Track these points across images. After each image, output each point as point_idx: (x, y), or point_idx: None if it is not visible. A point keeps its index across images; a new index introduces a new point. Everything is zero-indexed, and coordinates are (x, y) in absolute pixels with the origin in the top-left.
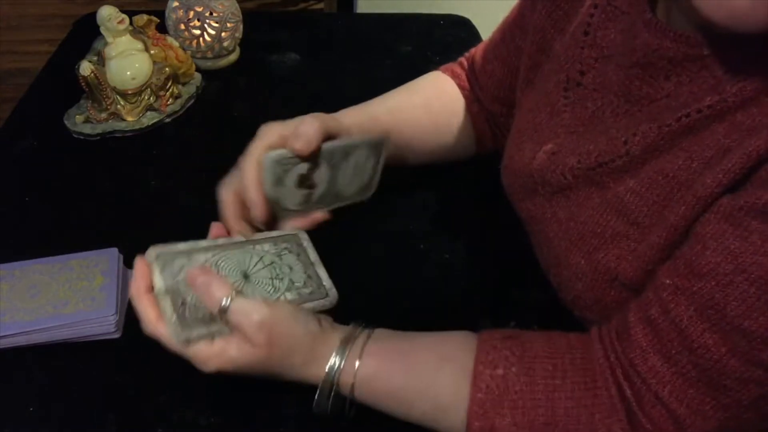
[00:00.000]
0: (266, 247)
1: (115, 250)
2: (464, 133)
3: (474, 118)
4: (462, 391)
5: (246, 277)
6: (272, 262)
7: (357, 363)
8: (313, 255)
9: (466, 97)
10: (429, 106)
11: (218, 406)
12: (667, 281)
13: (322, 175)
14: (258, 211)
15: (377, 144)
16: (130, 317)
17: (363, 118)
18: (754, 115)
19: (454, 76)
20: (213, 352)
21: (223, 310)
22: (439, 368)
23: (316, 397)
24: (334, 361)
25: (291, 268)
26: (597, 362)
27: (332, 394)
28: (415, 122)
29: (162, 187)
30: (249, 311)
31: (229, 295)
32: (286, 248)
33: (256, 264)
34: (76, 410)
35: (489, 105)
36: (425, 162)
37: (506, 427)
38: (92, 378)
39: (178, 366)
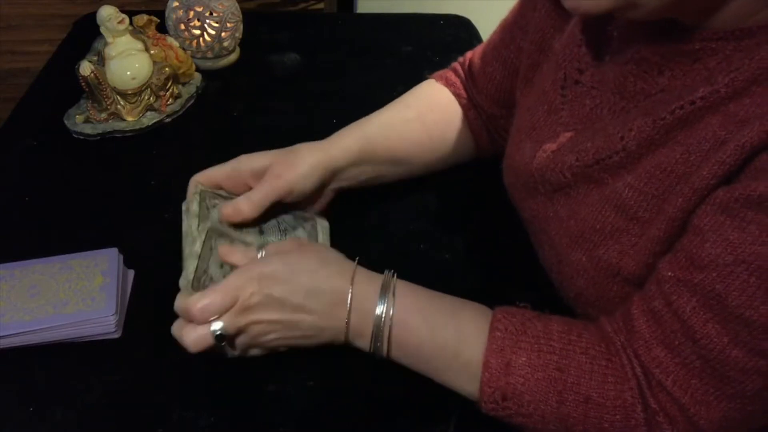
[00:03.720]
0: (286, 218)
1: (115, 250)
2: (461, 142)
3: (471, 125)
4: (482, 327)
5: (261, 232)
6: (285, 230)
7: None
8: (321, 238)
9: (462, 104)
10: (423, 119)
11: (218, 406)
12: (669, 274)
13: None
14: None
15: (318, 228)
16: (130, 317)
17: (355, 140)
18: (746, 105)
19: (449, 84)
20: (245, 268)
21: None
22: (461, 306)
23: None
24: (381, 309)
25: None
26: (609, 336)
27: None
28: (409, 137)
29: (162, 187)
30: (278, 245)
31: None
32: (302, 225)
33: (272, 226)
34: (75, 410)
35: (488, 108)
36: (423, 173)
37: (521, 366)
38: (92, 378)
39: (178, 366)
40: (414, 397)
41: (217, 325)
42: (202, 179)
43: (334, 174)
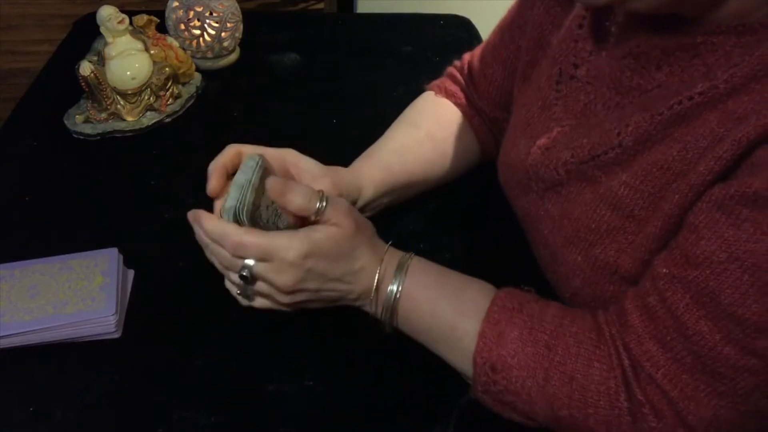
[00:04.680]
0: None
1: (115, 250)
2: (469, 153)
3: (477, 132)
4: (482, 305)
5: None
6: None
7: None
8: None
9: (465, 113)
10: (433, 137)
11: (218, 406)
12: (664, 270)
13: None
14: (211, 182)
15: None
16: (130, 317)
17: (378, 171)
18: (745, 102)
19: (449, 95)
20: (297, 238)
21: (320, 210)
22: (467, 285)
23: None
24: (392, 287)
25: None
26: (601, 328)
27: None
28: (422, 158)
29: (162, 187)
30: (338, 202)
31: (322, 197)
32: None
33: None
34: (75, 410)
35: (490, 112)
36: (435, 187)
37: (513, 339)
38: (92, 378)
39: (178, 366)
40: (414, 397)
41: (250, 262)
42: (255, 151)
43: (356, 204)
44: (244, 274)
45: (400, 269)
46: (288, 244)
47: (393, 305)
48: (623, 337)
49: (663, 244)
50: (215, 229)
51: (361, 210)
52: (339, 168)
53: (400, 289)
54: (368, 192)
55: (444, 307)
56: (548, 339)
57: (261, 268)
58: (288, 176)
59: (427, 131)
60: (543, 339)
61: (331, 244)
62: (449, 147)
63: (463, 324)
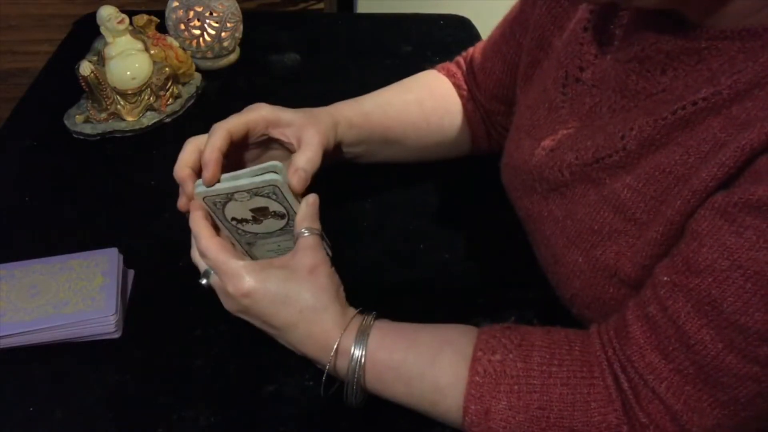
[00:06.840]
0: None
1: (115, 250)
2: (458, 132)
3: (469, 118)
4: (460, 374)
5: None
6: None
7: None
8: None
9: (461, 96)
10: (421, 102)
11: (218, 406)
12: (665, 278)
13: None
14: (209, 173)
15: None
16: (130, 317)
17: (354, 114)
18: (748, 109)
19: (450, 75)
20: (247, 273)
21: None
22: (439, 350)
23: (323, 380)
24: (356, 352)
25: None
26: (594, 355)
27: (354, 382)
28: (406, 117)
29: (162, 187)
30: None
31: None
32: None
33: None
34: (75, 410)
35: (487, 103)
36: (418, 158)
37: (501, 411)
38: (92, 378)
39: (178, 366)
40: None
41: (204, 278)
42: (237, 124)
43: (332, 144)
44: (204, 280)
45: (360, 339)
46: (234, 275)
47: (355, 380)
48: (625, 350)
49: (663, 250)
50: (192, 222)
51: (335, 151)
52: (316, 110)
53: (361, 372)
54: (342, 130)
55: (420, 388)
56: (539, 398)
57: (214, 281)
58: (270, 137)
59: (417, 96)
60: (534, 400)
61: (278, 287)
62: (437, 117)
63: (445, 401)
